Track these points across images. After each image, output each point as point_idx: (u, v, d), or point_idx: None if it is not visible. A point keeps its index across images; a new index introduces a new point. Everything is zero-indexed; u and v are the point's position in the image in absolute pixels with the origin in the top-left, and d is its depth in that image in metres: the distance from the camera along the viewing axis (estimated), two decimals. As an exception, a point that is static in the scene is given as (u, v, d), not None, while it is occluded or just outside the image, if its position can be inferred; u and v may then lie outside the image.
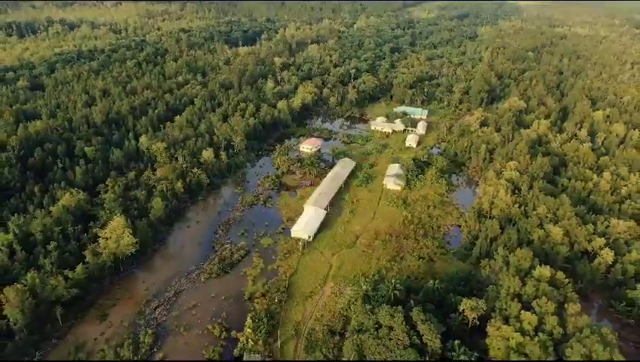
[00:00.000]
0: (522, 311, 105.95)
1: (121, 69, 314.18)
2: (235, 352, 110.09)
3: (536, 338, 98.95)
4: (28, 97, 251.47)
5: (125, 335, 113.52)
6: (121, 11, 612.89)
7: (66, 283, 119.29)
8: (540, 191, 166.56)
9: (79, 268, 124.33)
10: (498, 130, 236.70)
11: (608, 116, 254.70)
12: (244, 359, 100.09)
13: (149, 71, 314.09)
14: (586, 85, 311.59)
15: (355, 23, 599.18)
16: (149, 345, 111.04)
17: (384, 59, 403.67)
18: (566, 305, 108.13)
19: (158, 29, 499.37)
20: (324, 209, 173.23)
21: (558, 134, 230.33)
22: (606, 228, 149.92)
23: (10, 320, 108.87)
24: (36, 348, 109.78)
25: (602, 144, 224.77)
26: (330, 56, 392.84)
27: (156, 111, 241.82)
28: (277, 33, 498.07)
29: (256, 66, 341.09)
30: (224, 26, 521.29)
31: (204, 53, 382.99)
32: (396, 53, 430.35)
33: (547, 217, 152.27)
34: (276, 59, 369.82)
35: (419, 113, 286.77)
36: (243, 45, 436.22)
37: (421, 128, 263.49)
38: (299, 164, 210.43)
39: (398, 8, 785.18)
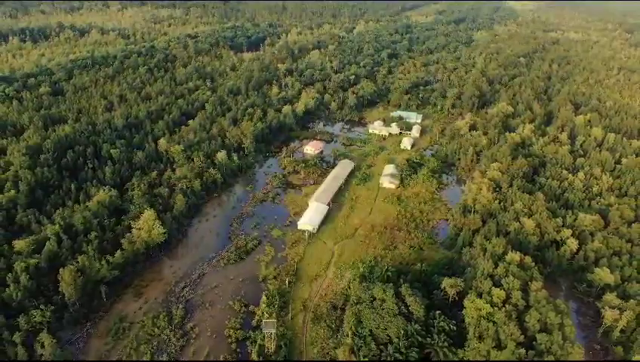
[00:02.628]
0: (493, 288, 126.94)
1: (134, 75, 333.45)
2: (254, 322, 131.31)
3: (503, 309, 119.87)
4: (51, 103, 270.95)
5: (160, 309, 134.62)
6: (128, 16, 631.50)
7: (107, 266, 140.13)
8: (518, 189, 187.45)
9: (118, 253, 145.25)
10: (486, 134, 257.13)
11: (589, 120, 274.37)
12: (263, 322, 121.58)
13: (160, 77, 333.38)
14: (572, 90, 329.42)
15: (354, 28, 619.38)
16: (180, 317, 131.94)
17: (382, 65, 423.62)
18: (530, 283, 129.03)
19: (165, 34, 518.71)
20: (327, 205, 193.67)
21: (540, 137, 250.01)
22: (574, 221, 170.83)
23: (66, 295, 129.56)
24: (86, 318, 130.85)
25: (581, 146, 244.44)
26: (331, 62, 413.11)
27: (171, 115, 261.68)
28: (279, 38, 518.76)
29: (261, 72, 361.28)
30: (229, 31, 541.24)
31: (211, 59, 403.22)
32: (394, 59, 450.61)
33: (523, 211, 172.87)
34: (280, 65, 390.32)
35: (414, 117, 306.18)
36: (247, 50, 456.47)
37: (415, 131, 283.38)
38: (303, 165, 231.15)
39: (397, 12, 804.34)
